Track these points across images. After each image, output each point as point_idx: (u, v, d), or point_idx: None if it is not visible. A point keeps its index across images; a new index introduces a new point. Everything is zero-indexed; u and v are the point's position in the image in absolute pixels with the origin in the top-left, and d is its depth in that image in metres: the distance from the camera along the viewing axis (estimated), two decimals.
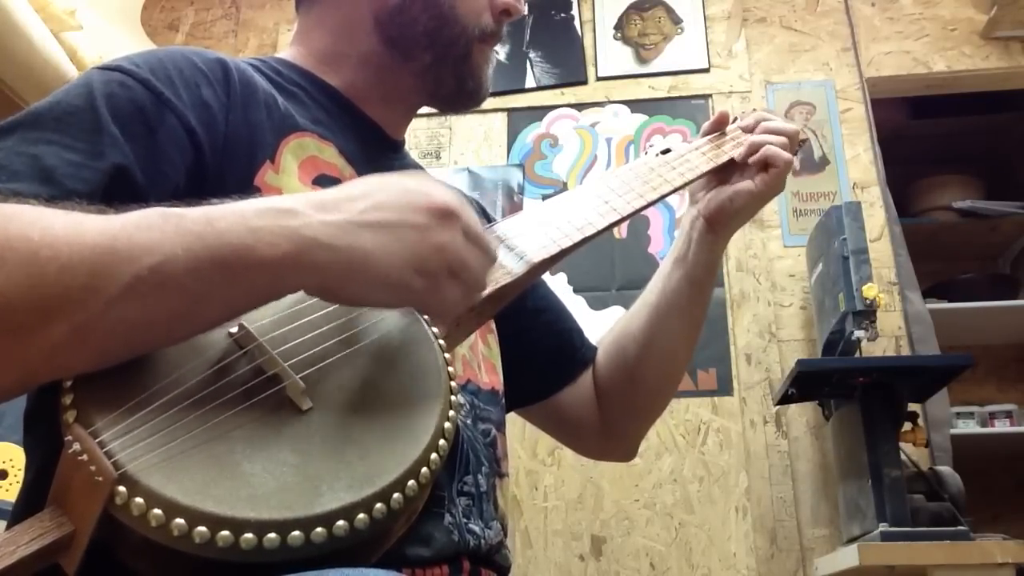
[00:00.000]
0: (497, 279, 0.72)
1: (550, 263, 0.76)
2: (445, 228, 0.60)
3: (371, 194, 0.60)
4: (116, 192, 0.64)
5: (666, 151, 0.97)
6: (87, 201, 0.58)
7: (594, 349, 1.07)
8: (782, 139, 0.97)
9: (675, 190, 0.92)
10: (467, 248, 0.61)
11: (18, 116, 0.66)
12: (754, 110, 1.06)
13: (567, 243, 0.77)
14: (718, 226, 0.99)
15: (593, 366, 1.06)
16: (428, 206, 0.60)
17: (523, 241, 0.75)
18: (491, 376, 0.89)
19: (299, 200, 0.58)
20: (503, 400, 0.91)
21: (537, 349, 1.03)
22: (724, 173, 0.99)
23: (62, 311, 0.51)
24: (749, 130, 1.00)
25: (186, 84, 0.73)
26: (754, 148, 0.97)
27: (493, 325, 0.95)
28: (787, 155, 0.97)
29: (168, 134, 0.69)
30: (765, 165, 0.96)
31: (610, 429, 1.05)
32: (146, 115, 0.69)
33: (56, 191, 0.60)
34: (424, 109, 0.96)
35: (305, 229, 0.56)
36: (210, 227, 0.55)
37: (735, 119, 1.04)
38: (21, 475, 1.02)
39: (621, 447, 1.09)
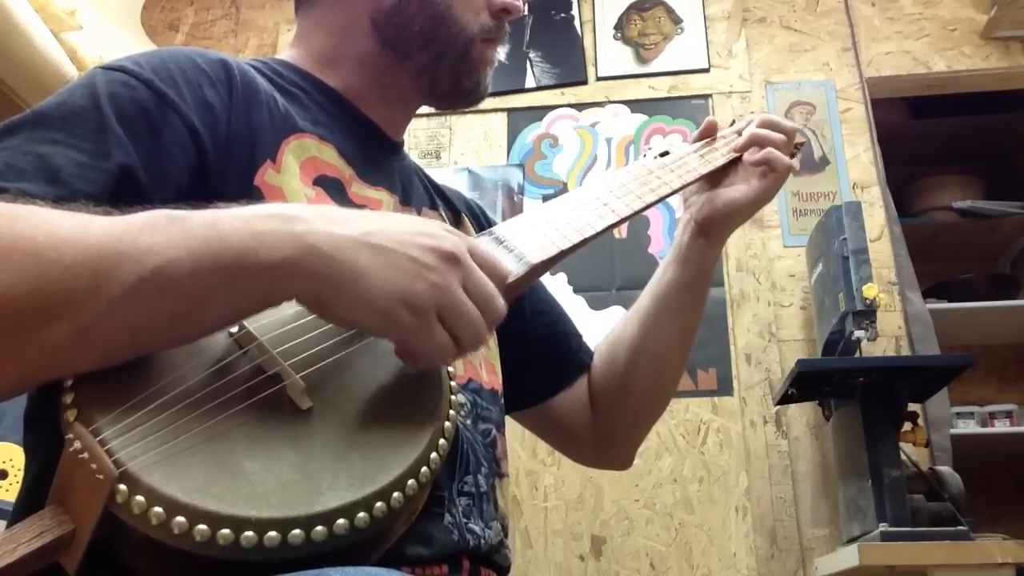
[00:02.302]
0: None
1: (549, 264, 0.76)
2: (445, 272, 0.59)
3: (381, 220, 0.60)
4: (120, 192, 0.64)
5: (664, 154, 0.97)
6: (93, 201, 0.59)
7: (591, 354, 1.06)
8: (782, 137, 0.97)
9: (672, 193, 0.92)
10: (463, 299, 0.60)
11: (23, 115, 0.66)
12: (752, 112, 1.06)
13: (566, 244, 0.77)
14: (710, 230, 0.97)
15: (589, 371, 1.05)
16: (433, 247, 0.59)
17: (522, 243, 0.75)
18: (491, 376, 0.89)
19: (308, 208, 0.59)
20: (502, 400, 0.91)
21: (534, 352, 1.02)
22: (721, 176, 0.99)
23: (65, 312, 0.51)
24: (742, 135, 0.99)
25: (189, 84, 0.73)
26: (755, 140, 0.96)
27: None
28: (787, 160, 0.95)
29: (171, 134, 0.69)
30: (765, 168, 0.95)
31: (604, 435, 1.04)
32: (150, 115, 0.69)
33: (63, 191, 0.60)
34: (424, 109, 0.96)
35: (308, 236, 0.56)
36: (214, 231, 0.55)
37: (733, 122, 1.04)
38: (21, 475, 1.02)
39: (616, 455, 1.07)
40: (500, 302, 0.63)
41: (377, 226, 0.59)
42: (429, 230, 0.61)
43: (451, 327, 0.59)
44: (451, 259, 0.60)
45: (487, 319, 0.61)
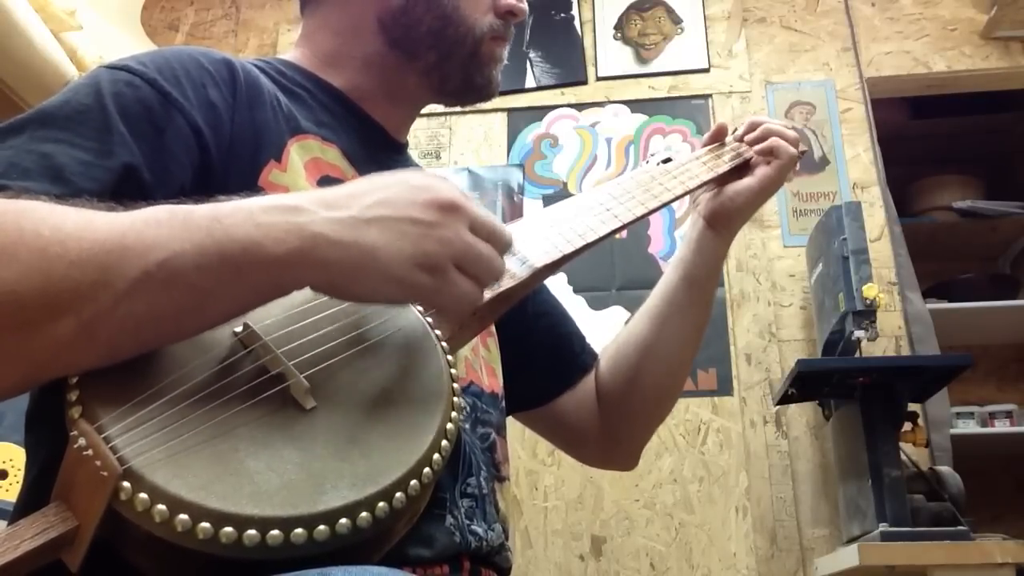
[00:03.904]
0: (500, 283, 0.73)
1: (553, 268, 0.77)
2: (450, 223, 0.60)
3: (375, 191, 0.60)
4: (124, 191, 0.64)
5: (667, 160, 0.98)
6: (97, 200, 0.59)
7: (594, 355, 1.07)
8: (794, 134, 0.99)
9: (675, 199, 0.93)
10: (475, 241, 0.61)
11: (27, 114, 0.66)
12: (754, 115, 1.07)
13: (569, 249, 0.77)
14: (718, 225, 0.99)
15: (596, 372, 1.06)
16: (432, 201, 0.60)
17: (526, 246, 0.75)
18: (491, 379, 0.89)
19: (305, 197, 0.59)
20: (503, 403, 0.91)
21: (538, 354, 1.02)
22: (725, 181, 1.00)
23: (71, 307, 0.52)
24: (749, 132, 1.01)
25: (193, 84, 0.73)
26: (763, 135, 0.99)
27: (494, 329, 0.95)
28: (792, 149, 0.97)
29: (175, 134, 0.69)
30: (769, 155, 0.98)
31: (611, 436, 1.04)
32: (154, 115, 0.69)
33: (67, 190, 0.60)
34: (424, 108, 0.96)
35: (312, 225, 0.56)
36: (218, 223, 0.55)
37: (735, 130, 1.04)
38: (21, 475, 1.02)
39: (622, 455, 1.08)
40: (506, 230, 0.64)
41: (374, 198, 0.59)
42: (423, 183, 0.61)
43: (470, 272, 0.61)
44: (452, 208, 0.60)
45: (500, 250, 0.63)
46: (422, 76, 0.89)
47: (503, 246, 0.64)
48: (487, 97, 0.92)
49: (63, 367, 0.54)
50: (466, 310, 0.64)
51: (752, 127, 1.01)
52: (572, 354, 1.05)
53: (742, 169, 1.00)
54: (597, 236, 0.81)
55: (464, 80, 0.90)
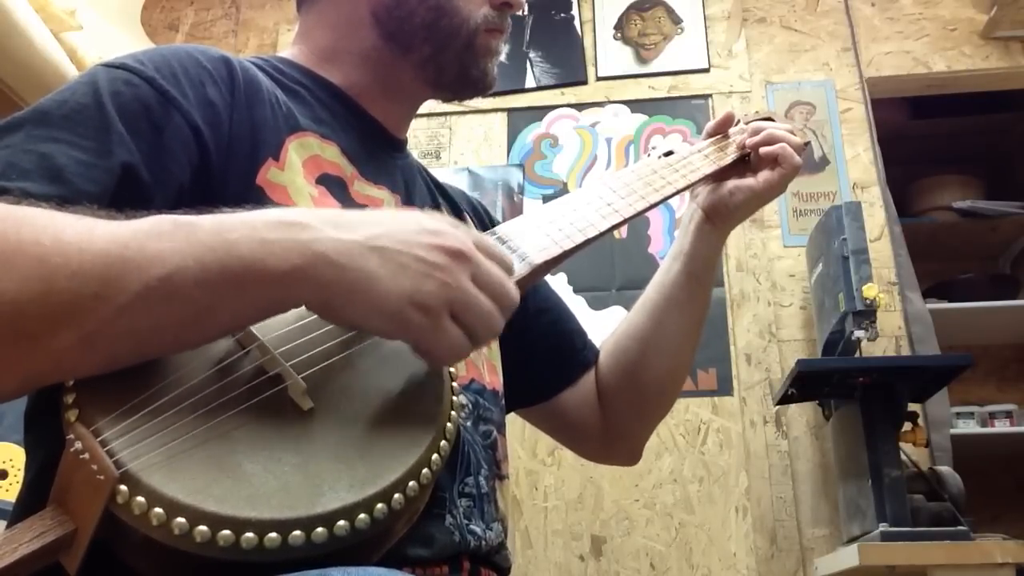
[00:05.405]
0: None
1: (552, 264, 0.76)
2: (453, 268, 0.59)
3: (386, 223, 0.60)
4: (123, 191, 0.64)
5: (669, 153, 0.97)
6: (97, 201, 0.59)
7: (596, 351, 1.06)
8: (797, 140, 0.99)
9: (677, 192, 0.92)
10: (474, 292, 0.60)
11: (24, 113, 0.66)
12: (756, 112, 1.07)
13: (569, 244, 0.77)
14: (716, 219, 0.99)
15: (596, 368, 1.05)
16: (440, 244, 0.59)
17: (525, 242, 0.75)
18: (492, 376, 0.89)
19: (313, 215, 0.59)
20: (503, 401, 0.91)
21: (537, 350, 1.02)
22: (727, 175, 1.00)
23: (71, 318, 0.51)
24: (755, 135, 1.00)
25: (191, 83, 0.72)
26: (768, 139, 0.98)
27: None
28: (798, 159, 0.97)
29: (174, 133, 0.69)
30: (774, 162, 0.97)
31: (612, 432, 1.04)
32: (152, 114, 0.69)
33: (66, 191, 0.60)
34: (424, 108, 0.95)
35: (315, 244, 0.56)
36: (221, 239, 0.55)
37: (738, 121, 1.04)
38: (21, 475, 1.02)
39: (624, 451, 1.08)
40: (513, 290, 0.63)
41: (383, 228, 0.59)
42: (434, 227, 0.61)
43: (464, 322, 0.59)
44: (458, 255, 0.60)
45: (501, 309, 0.61)
46: (417, 69, 0.89)
47: (506, 305, 0.62)
48: (484, 91, 0.91)
49: (62, 375, 0.54)
50: (452, 360, 0.62)
51: (756, 132, 1.00)
52: (573, 351, 1.05)
53: (744, 163, 1.00)
54: (597, 231, 0.80)
55: (460, 73, 0.89)
